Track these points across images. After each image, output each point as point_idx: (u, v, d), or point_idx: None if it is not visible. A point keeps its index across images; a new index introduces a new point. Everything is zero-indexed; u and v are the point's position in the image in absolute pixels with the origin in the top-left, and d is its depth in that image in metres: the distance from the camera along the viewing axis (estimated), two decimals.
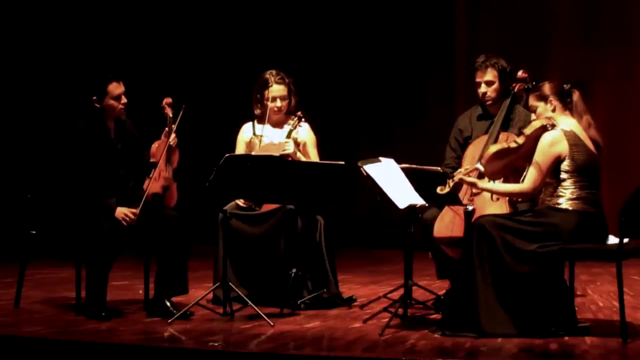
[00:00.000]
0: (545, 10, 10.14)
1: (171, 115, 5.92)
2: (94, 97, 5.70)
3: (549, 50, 9.98)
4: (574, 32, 10.05)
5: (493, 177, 5.39)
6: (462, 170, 5.43)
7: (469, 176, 5.37)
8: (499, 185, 5.37)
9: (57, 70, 10.01)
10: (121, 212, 5.57)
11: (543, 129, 5.15)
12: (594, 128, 5.20)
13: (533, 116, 5.94)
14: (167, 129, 5.90)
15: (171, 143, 5.89)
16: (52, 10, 10.23)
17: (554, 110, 5.19)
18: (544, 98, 5.21)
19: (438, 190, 5.36)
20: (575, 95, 5.22)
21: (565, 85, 5.23)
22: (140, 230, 5.67)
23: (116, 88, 5.72)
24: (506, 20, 10.23)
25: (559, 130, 5.12)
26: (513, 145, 5.24)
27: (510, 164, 5.34)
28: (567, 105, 5.21)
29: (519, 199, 5.55)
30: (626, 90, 9.77)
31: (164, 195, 5.81)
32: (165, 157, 5.85)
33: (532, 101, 5.26)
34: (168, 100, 6.01)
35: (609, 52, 9.87)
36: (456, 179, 5.31)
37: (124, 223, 5.57)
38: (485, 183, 5.34)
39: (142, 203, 5.60)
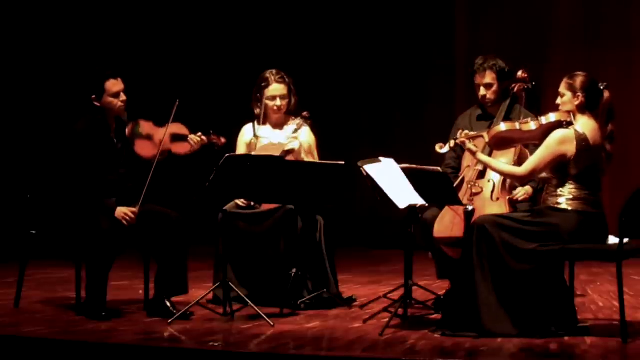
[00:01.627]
0: (546, 11, 10.13)
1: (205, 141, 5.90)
2: (93, 96, 5.69)
3: (549, 51, 9.98)
4: (574, 32, 10.05)
5: (494, 148, 5.39)
6: (466, 133, 5.42)
7: (472, 142, 5.36)
8: (497, 162, 5.37)
9: (57, 70, 10.00)
10: (121, 211, 5.57)
11: (559, 123, 5.13)
12: (610, 141, 5.17)
13: (532, 117, 5.94)
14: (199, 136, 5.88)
15: (194, 142, 5.84)
16: (53, 10, 10.22)
17: (579, 106, 5.16)
18: (573, 89, 5.16)
19: (437, 148, 5.40)
20: (605, 97, 5.17)
21: (600, 84, 5.19)
22: (140, 230, 5.68)
23: (114, 85, 5.70)
24: (506, 20, 10.23)
25: (572, 130, 5.09)
26: (524, 128, 5.22)
27: (514, 143, 5.35)
28: (592, 105, 5.14)
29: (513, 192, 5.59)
30: (626, 91, 9.76)
31: (142, 136, 5.76)
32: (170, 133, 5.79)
33: (562, 88, 5.18)
34: (221, 141, 5.98)
35: (609, 52, 9.86)
36: (459, 140, 5.33)
37: (124, 222, 5.56)
38: (483, 156, 5.34)
39: (141, 199, 5.59)
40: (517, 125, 5.26)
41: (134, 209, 5.59)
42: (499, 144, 5.36)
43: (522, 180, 5.33)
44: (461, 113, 6.30)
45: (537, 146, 5.20)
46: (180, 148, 5.84)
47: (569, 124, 5.12)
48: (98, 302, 5.49)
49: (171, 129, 5.79)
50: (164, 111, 5.91)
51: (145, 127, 5.83)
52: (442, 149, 5.55)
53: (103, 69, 5.73)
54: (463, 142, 5.35)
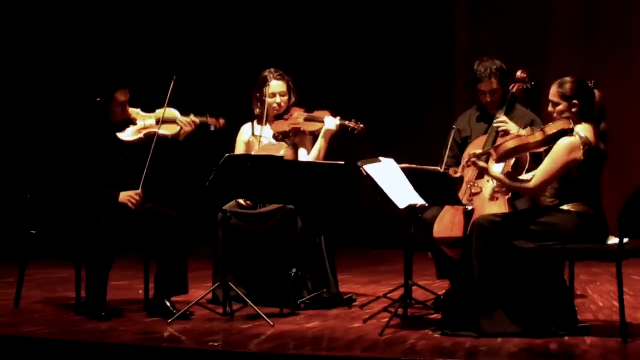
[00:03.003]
0: (546, 11, 10.14)
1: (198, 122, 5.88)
2: (99, 99, 5.69)
3: (548, 51, 9.98)
4: (574, 32, 10.05)
5: (500, 161, 5.40)
6: (474, 152, 5.41)
7: (481, 160, 5.36)
8: (507, 179, 5.35)
9: (56, 70, 10.00)
10: (126, 195, 5.58)
11: (563, 132, 5.11)
12: (602, 140, 5.16)
13: (533, 115, 5.92)
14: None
15: (185, 129, 5.83)
16: (52, 9, 10.22)
17: (576, 113, 5.14)
18: (567, 98, 5.14)
19: (451, 172, 5.39)
20: (597, 96, 5.17)
21: (589, 82, 5.16)
22: (140, 230, 5.68)
23: (123, 95, 5.71)
24: (506, 20, 10.23)
25: (577, 137, 5.06)
26: (532, 140, 5.19)
27: (519, 153, 5.34)
28: (587, 109, 5.12)
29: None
30: (626, 91, 9.77)
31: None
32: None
33: (555, 97, 5.16)
34: (220, 123, 5.97)
35: (608, 52, 9.87)
36: (469, 162, 5.31)
37: (130, 205, 5.57)
38: (495, 172, 5.32)
39: (142, 182, 5.60)
40: (524, 139, 5.22)
41: (138, 192, 5.59)
42: (504, 157, 5.35)
43: (534, 193, 5.28)
44: (461, 113, 6.30)
45: (546, 151, 5.17)
46: (167, 130, 5.81)
47: (572, 131, 5.11)
48: (98, 302, 5.49)
49: (159, 112, 5.79)
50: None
51: (132, 112, 5.82)
52: (457, 173, 5.54)
53: (115, 76, 5.72)
54: (474, 163, 5.31)
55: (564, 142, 5.06)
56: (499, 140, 5.56)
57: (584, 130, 5.10)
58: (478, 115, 6.11)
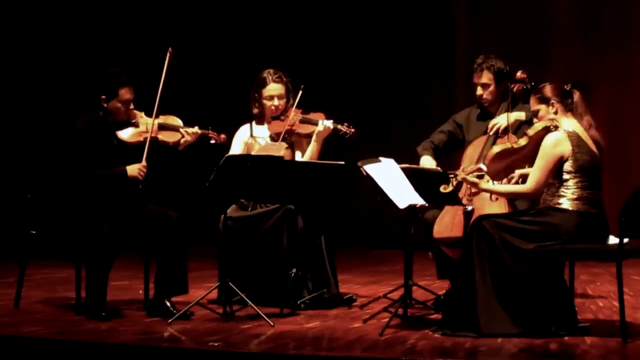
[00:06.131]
0: (545, 11, 10.15)
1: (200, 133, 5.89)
2: (103, 97, 5.69)
3: (548, 51, 9.99)
4: (574, 32, 10.06)
5: (495, 178, 5.38)
6: (464, 168, 5.41)
7: (471, 176, 5.35)
8: (501, 186, 5.36)
9: (56, 69, 10.00)
10: (134, 168, 5.61)
11: (546, 130, 5.14)
12: (595, 128, 5.21)
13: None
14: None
15: (188, 139, 5.84)
16: (52, 9, 10.22)
17: (556, 113, 5.18)
18: (545, 100, 5.20)
19: (441, 189, 5.37)
20: (576, 96, 5.22)
21: (565, 86, 5.23)
22: (140, 230, 5.68)
23: (127, 92, 5.72)
24: (506, 20, 10.24)
25: (562, 131, 5.11)
26: (516, 146, 5.23)
27: (512, 165, 5.33)
28: (568, 107, 5.20)
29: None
30: (626, 91, 9.78)
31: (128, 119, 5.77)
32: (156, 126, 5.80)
33: (534, 104, 5.25)
34: (221, 138, 5.99)
35: (608, 52, 9.87)
36: (459, 178, 5.31)
37: (140, 177, 5.61)
38: (486, 183, 5.32)
39: (145, 154, 5.62)
40: (508, 145, 5.26)
41: (143, 164, 5.63)
42: (498, 172, 5.32)
43: (531, 197, 5.30)
44: None
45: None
46: (169, 137, 5.83)
47: (556, 127, 5.14)
48: (98, 302, 5.49)
49: (162, 119, 5.80)
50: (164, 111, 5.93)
51: (136, 114, 5.83)
52: (447, 189, 5.49)
53: (120, 73, 5.73)
54: (464, 179, 5.30)
55: (549, 138, 5.10)
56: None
57: (570, 124, 5.14)
58: (478, 113, 6.11)
